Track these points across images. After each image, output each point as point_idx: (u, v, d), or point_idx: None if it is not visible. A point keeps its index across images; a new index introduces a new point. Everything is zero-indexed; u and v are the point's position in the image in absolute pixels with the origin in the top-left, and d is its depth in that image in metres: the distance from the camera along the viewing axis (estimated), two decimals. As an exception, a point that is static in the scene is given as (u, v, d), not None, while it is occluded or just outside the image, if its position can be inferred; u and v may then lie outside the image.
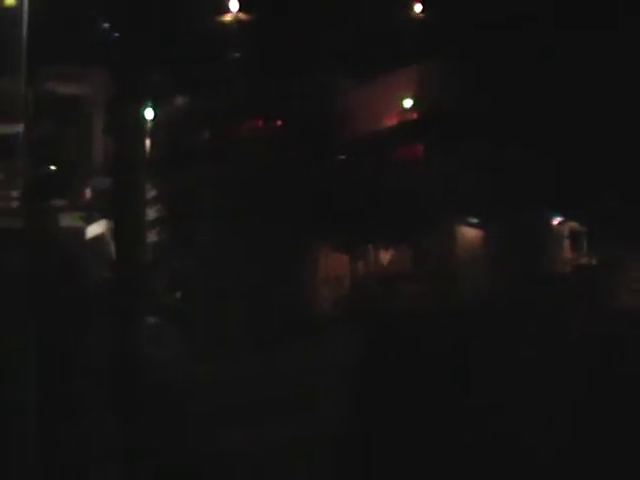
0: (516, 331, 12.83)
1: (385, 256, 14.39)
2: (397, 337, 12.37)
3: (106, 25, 13.71)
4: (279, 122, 14.52)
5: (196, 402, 12.16)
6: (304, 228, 13.74)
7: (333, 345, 12.46)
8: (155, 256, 14.94)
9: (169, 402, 11.76)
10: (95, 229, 14.70)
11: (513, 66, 14.23)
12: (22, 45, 12.02)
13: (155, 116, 15.37)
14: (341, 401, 11.84)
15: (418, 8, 14.27)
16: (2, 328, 11.20)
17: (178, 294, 14.80)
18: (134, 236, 12.62)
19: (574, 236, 14.84)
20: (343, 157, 14.05)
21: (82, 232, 14.10)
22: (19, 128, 14.82)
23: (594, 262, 14.75)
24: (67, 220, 14.15)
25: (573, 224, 15.01)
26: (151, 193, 15.19)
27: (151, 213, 15.11)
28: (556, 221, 14.84)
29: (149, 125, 14.10)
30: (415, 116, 14.75)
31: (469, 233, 14.59)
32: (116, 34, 13.22)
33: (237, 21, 15.46)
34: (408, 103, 14.41)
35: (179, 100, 15.71)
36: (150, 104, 14.09)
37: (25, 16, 12.65)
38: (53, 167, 15.33)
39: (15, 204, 15.12)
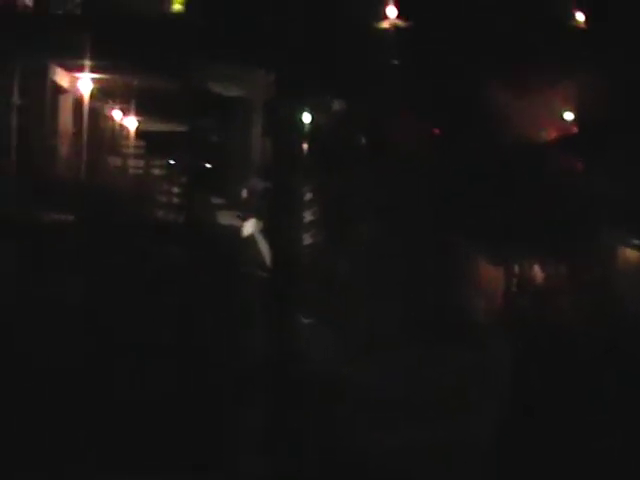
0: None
1: (540, 269, 14.13)
2: (549, 350, 12.16)
3: (267, 28, 14.03)
4: (436, 127, 14.49)
5: (348, 401, 12.29)
6: (459, 233, 13.69)
7: (484, 353, 12.36)
8: (310, 256, 15.19)
9: (322, 399, 11.95)
10: (251, 227, 15.09)
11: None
12: (186, 47, 12.45)
13: (313, 119, 15.64)
14: (489, 410, 11.75)
15: (580, 17, 13.95)
16: (160, 319, 11.66)
17: (332, 293, 14.98)
18: (289, 236, 12.86)
19: None
20: (500, 167, 13.88)
21: (239, 230, 14.47)
22: (182, 127, 15.39)
23: None
24: (225, 217, 14.57)
25: None
26: (307, 194, 15.46)
27: (307, 214, 15.37)
28: None
29: (307, 127, 14.35)
30: (575, 128, 14.43)
31: (628, 250, 14.16)
32: (277, 37, 13.52)
33: (395, 27, 15.54)
34: (568, 115, 14.11)
35: (337, 104, 15.93)
36: (308, 107, 14.34)
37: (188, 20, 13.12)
38: (213, 166, 15.83)
39: (176, 200, 15.70)
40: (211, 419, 10.48)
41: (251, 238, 14.08)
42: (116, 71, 14.15)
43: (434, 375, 12.46)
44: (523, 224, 13.82)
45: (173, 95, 15.91)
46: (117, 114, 17.56)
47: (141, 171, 16.46)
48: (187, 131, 14.23)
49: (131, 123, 16.92)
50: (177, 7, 14.03)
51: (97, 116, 17.09)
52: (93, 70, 13.19)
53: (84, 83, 13.45)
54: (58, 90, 14.29)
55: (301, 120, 13.65)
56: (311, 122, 15.43)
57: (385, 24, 15.37)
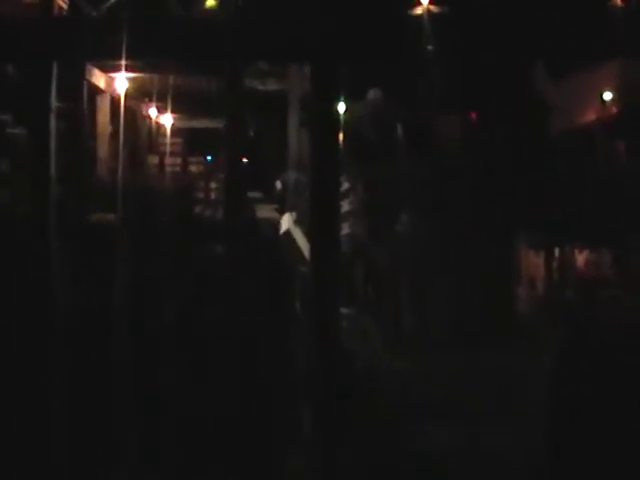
0: None
1: (584, 258, 13.90)
2: (594, 343, 11.96)
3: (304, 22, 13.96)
4: (476, 116, 14.38)
5: (391, 396, 12.26)
6: (501, 224, 13.54)
7: (528, 347, 12.21)
8: (350, 249, 15.17)
9: (364, 394, 11.93)
10: (288, 220, 15.12)
11: None
12: (223, 45, 12.43)
13: (346, 110, 15.59)
14: (533, 406, 11.64)
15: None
16: (200, 316, 11.71)
17: (373, 286, 14.96)
18: (328, 229, 12.77)
19: None
20: (544, 154, 13.70)
21: (277, 224, 14.48)
22: (219, 123, 15.40)
23: None
24: (264, 212, 14.59)
25: None
26: (344, 186, 15.44)
27: (345, 205, 15.35)
28: None
29: (343, 120, 14.32)
30: (617, 111, 14.17)
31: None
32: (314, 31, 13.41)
33: (428, 13, 15.43)
34: (608, 96, 13.84)
35: (372, 95, 15.89)
36: (344, 99, 14.30)
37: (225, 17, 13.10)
38: (250, 160, 15.85)
39: (215, 196, 15.77)
40: (261, 420, 10.54)
41: (287, 234, 14.08)
42: (152, 70, 14.20)
43: (481, 372, 12.39)
44: (566, 210, 13.69)
45: (209, 92, 15.96)
46: (153, 112, 17.65)
47: (179, 168, 16.55)
48: (224, 127, 14.22)
49: (168, 121, 16.98)
50: (210, 3, 14.05)
51: (134, 115, 17.19)
52: (129, 70, 13.22)
53: (120, 83, 13.50)
54: (95, 91, 14.38)
55: (338, 112, 13.61)
56: (345, 113, 15.41)
57: (419, 10, 15.28)
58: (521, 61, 13.59)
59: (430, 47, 14.73)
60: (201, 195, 16.34)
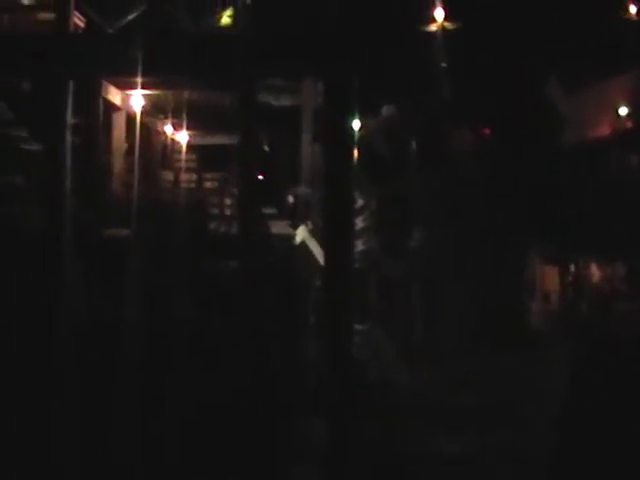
0: None
1: (599, 272, 13.83)
2: (609, 357, 11.91)
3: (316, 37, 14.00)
4: (489, 130, 14.36)
5: (403, 406, 12.26)
6: (514, 237, 13.51)
7: (542, 358, 12.18)
8: (363, 264, 15.16)
9: (377, 405, 11.93)
10: (302, 235, 15.14)
11: None
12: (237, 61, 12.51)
13: (362, 126, 15.61)
14: (546, 418, 11.60)
15: (634, 10, 13.67)
16: (213, 330, 11.77)
17: (386, 300, 14.94)
18: (342, 244, 12.78)
19: None
20: (557, 166, 13.66)
21: (291, 239, 14.50)
22: (233, 139, 15.47)
23: None
24: (278, 227, 14.61)
25: None
26: (359, 203, 15.45)
27: (359, 222, 15.36)
28: None
29: (357, 135, 14.33)
30: (632, 125, 14.11)
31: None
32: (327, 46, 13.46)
33: (443, 30, 15.45)
34: (623, 110, 13.79)
35: (386, 111, 15.90)
36: (358, 114, 14.32)
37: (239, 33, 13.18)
38: (264, 176, 15.89)
39: (229, 211, 15.81)
40: (271, 429, 10.54)
41: (303, 246, 14.10)
42: (167, 86, 14.29)
43: (494, 382, 12.35)
44: (580, 223, 13.63)
45: (224, 108, 16.03)
46: (169, 129, 17.74)
47: (194, 185, 16.62)
48: (238, 143, 14.29)
49: (183, 137, 17.06)
50: (226, 21, 14.13)
51: (149, 132, 17.28)
52: (144, 86, 13.31)
53: (136, 100, 13.59)
54: (111, 107, 14.48)
55: (352, 128, 13.64)
56: (360, 129, 15.43)
57: (433, 27, 15.31)
58: (534, 74, 13.58)
59: (444, 63, 14.75)
60: (215, 211, 16.39)
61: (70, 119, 11.02)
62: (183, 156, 16.87)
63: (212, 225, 14.57)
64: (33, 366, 9.36)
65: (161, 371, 10.22)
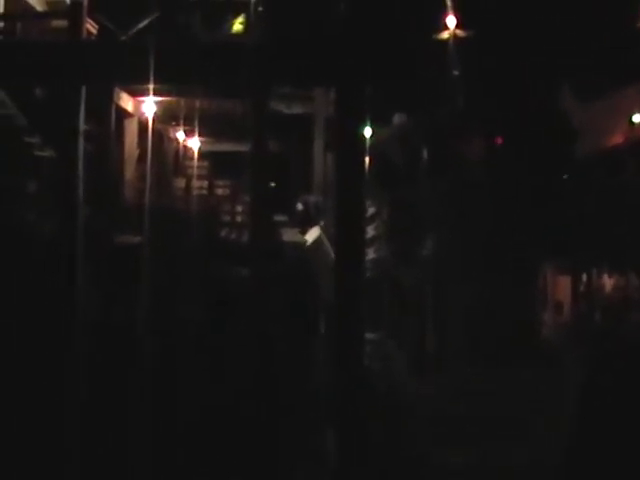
0: None
1: (611, 282, 13.74)
2: (621, 368, 11.81)
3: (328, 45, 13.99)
4: (502, 139, 14.32)
5: (414, 417, 12.21)
6: (526, 248, 13.44)
7: (554, 370, 12.09)
8: (374, 272, 15.14)
9: (388, 415, 11.89)
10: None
11: None
12: (250, 69, 12.53)
13: (373, 134, 15.60)
14: (557, 429, 11.53)
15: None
16: (225, 337, 11.77)
17: (399, 309, 14.90)
18: (353, 252, 12.76)
19: None
20: (569, 176, 13.61)
21: (303, 247, 14.47)
22: (245, 147, 15.48)
23: None
24: (289, 235, 14.58)
25: None
26: (370, 211, 15.43)
27: (370, 231, 15.34)
28: None
29: (368, 143, 14.30)
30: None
31: None
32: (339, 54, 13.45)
33: (455, 38, 15.43)
34: (637, 119, 13.69)
35: (398, 119, 15.88)
36: (369, 123, 14.30)
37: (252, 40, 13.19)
38: (276, 184, 15.90)
39: (240, 219, 15.80)
40: (279, 437, 10.53)
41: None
42: (179, 93, 14.31)
43: (505, 393, 12.29)
44: (592, 233, 13.55)
45: (236, 115, 16.05)
46: (181, 135, 17.78)
47: (205, 191, 16.64)
48: (250, 150, 14.30)
49: (195, 144, 17.09)
50: (237, 28, 14.15)
51: (161, 138, 17.31)
52: (157, 93, 13.33)
53: (148, 106, 13.61)
54: (123, 114, 14.51)
55: (364, 136, 13.64)
56: (372, 137, 15.41)
57: (445, 35, 15.30)
58: (547, 84, 13.53)
59: (456, 71, 14.72)
60: (227, 218, 16.39)
61: (82, 126, 11.06)
62: (195, 163, 16.90)
63: (223, 232, 14.56)
64: (43, 372, 9.38)
65: (171, 377, 10.22)
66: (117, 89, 13.68)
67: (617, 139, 14.03)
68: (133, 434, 9.61)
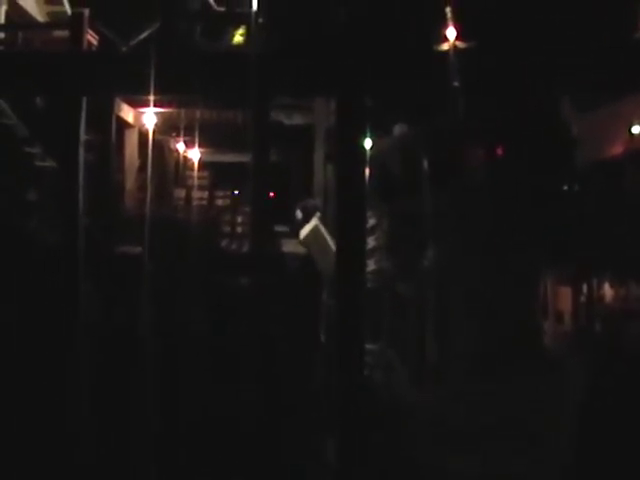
0: None
1: (611, 292, 13.73)
2: (621, 376, 11.80)
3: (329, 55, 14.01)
4: (502, 149, 14.33)
5: (415, 425, 12.19)
6: (528, 257, 13.42)
7: (556, 377, 12.08)
8: (375, 283, 15.11)
9: (389, 423, 11.89)
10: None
11: None
12: (250, 79, 12.55)
13: (373, 146, 15.60)
14: (560, 435, 11.50)
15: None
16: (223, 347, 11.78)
17: (399, 319, 14.88)
18: (354, 263, 12.78)
19: None
20: (570, 186, 13.62)
21: (303, 258, 14.45)
22: (246, 157, 15.50)
23: None
24: (290, 246, 14.58)
25: None
26: (371, 222, 15.41)
27: (371, 242, 15.31)
28: None
29: (369, 155, 14.29)
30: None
31: None
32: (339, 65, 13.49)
33: (454, 49, 15.46)
34: (637, 129, 13.71)
35: (398, 130, 15.87)
36: (370, 135, 14.29)
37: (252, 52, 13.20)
38: (276, 194, 15.88)
39: (241, 229, 15.78)
40: (282, 443, 10.54)
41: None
42: (180, 104, 14.32)
43: (506, 402, 12.26)
44: (593, 243, 13.53)
45: (236, 126, 16.05)
46: (181, 146, 17.80)
47: (206, 202, 16.62)
48: (250, 161, 14.32)
49: (195, 155, 17.10)
50: (238, 39, 14.16)
51: (162, 149, 17.32)
52: (157, 104, 13.36)
53: (149, 117, 13.63)
54: (123, 125, 14.52)
55: (364, 147, 13.66)
56: (372, 148, 15.39)
57: (445, 46, 15.33)
58: (547, 94, 13.55)
59: (456, 82, 14.74)
60: (227, 229, 16.37)
61: (83, 136, 11.09)
62: (195, 173, 16.89)
63: (224, 243, 14.55)
64: (44, 378, 9.39)
65: (171, 383, 10.22)
66: (118, 100, 13.70)
67: (616, 149, 14.06)
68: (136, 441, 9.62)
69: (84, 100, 11.22)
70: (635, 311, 13.38)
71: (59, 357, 9.55)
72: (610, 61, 13.27)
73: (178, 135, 16.72)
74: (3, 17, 13.78)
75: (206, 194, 17.37)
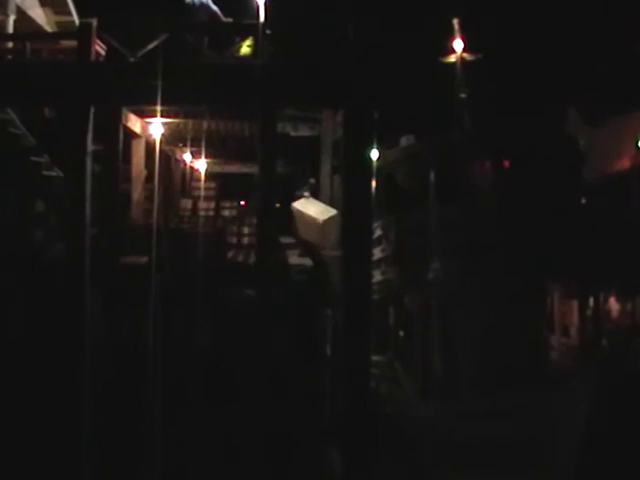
0: None
1: (617, 306, 13.68)
2: (627, 391, 11.73)
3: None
4: (509, 162, 14.32)
5: (419, 440, 12.15)
6: (534, 271, 13.37)
7: (561, 394, 12.01)
8: (382, 296, 15.12)
9: (394, 437, 11.85)
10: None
11: None
12: (257, 91, 12.58)
13: (379, 157, 15.60)
14: (568, 453, 11.44)
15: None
16: (228, 358, 11.78)
17: (406, 332, 14.85)
18: (361, 274, 12.77)
19: None
20: (576, 200, 13.59)
21: (309, 270, 14.45)
22: (253, 169, 15.52)
23: None
24: (296, 257, 14.58)
25: None
26: (377, 233, 15.42)
27: (377, 253, 15.32)
28: None
29: (376, 166, 14.30)
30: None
31: None
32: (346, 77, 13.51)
33: (462, 61, 15.45)
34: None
35: (405, 142, 15.88)
36: (377, 146, 14.31)
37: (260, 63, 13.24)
38: (283, 206, 15.89)
39: (247, 240, 15.78)
40: (289, 456, 10.53)
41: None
42: (187, 115, 14.36)
43: (508, 418, 12.20)
44: (599, 257, 13.48)
45: (243, 137, 16.09)
46: (188, 157, 17.84)
47: (212, 213, 16.63)
48: (257, 172, 14.34)
49: (202, 165, 17.14)
50: (245, 51, 14.18)
51: (169, 159, 17.36)
52: (164, 115, 13.39)
53: (156, 128, 13.66)
54: (131, 135, 14.54)
55: (370, 158, 13.68)
56: (381, 159, 15.40)
57: (452, 58, 15.33)
58: (554, 108, 13.55)
59: (463, 95, 14.75)
60: (234, 239, 16.36)
61: (91, 146, 11.11)
62: (202, 184, 16.92)
63: (230, 254, 14.55)
64: (52, 389, 9.40)
65: (178, 397, 10.22)
66: (125, 110, 13.72)
67: (624, 163, 14.05)
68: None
69: (92, 110, 11.24)
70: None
71: (66, 367, 9.54)
72: (618, 75, 13.27)
73: (185, 146, 16.77)
74: (12, 27, 13.83)
75: (212, 205, 17.40)
